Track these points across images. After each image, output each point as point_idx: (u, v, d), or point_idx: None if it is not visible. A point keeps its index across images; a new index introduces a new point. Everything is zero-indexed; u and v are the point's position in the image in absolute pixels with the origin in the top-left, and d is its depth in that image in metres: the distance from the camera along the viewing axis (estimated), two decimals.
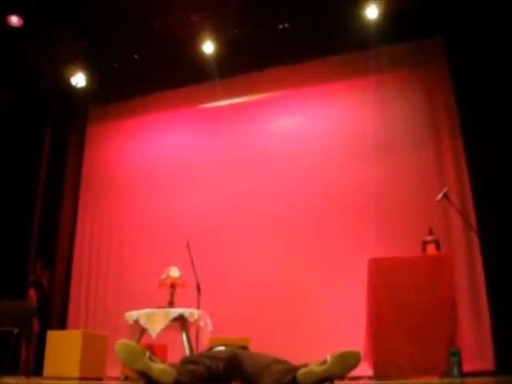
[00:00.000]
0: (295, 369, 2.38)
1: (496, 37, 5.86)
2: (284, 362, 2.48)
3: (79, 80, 7.66)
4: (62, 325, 7.55)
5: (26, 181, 7.67)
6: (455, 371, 4.24)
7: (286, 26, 6.93)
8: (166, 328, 4.90)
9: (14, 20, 6.72)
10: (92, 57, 7.43)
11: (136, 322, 4.98)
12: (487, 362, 5.33)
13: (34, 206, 7.71)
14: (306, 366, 2.38)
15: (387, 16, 6.55)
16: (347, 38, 6.79)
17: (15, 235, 7.29)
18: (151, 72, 7.70)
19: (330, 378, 2.35)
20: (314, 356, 2.58)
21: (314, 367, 2.33)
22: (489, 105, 5.91)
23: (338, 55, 7.22)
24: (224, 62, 7.24)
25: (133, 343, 2.31)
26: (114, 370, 5.82)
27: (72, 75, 7.61)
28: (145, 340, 5.17)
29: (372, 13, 6.59)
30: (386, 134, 6.77)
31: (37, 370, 5.77)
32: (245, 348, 2.78)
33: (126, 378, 5.02)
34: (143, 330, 4.99)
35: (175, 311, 4.93)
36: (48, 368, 5.40)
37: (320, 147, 7.10)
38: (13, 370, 5.87)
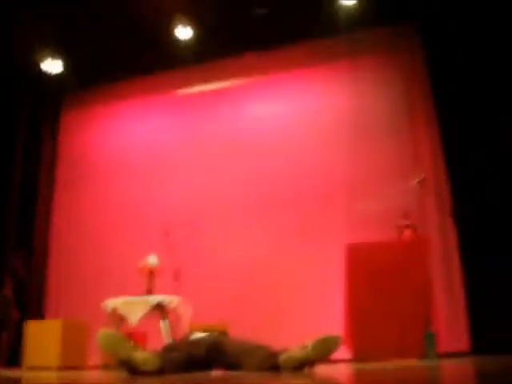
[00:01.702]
0: (276, 354, 2.41)
1: (472, 22, 5.90)
2: (265, 348, 2.51)
3: (53, 66, 7.52)
4: (40, 313, 7.49)
5: (2, 169, 7.54)
6: (431, 353, 4.34)
7: (263, 10, 6.89)
8: (145, 315, 4.90)
9: None
10: (66, 43, 7.29)
11: (114, 310, 4.96)
12: (463, 344, 5.44)
13: (10, 194, 7.60)
14: (286, 351, 2.42)
15: (364, 0, 6.55)
16: (324, 22, 6.75)
17: None
18: (127, 58, 7.57)
19: (311, 362, 2.40)
20: (294, 341, 2.62)
21: (295, 352, 2.37)
22: (465, 91, 5.95)
23: (315, 40, 7.19)
24: (200, 47, 7.15)
25: (116, 332, 2.32)
26: (95, 359, 5.82)
27: (45, 61, 7.47)
28: (123, 328, 5.16)
29: None
30: (361, 119, 6.80)
31: (16, 360, 5.73)
32: (224, 333, 2.81)
33: (107, 367, 5.03)
34: (122, 318, 4.97)
35: (154, 299, 4.93)
36: (28, 358, 5.38)
37: (297, 132, 7.10)
38: None
